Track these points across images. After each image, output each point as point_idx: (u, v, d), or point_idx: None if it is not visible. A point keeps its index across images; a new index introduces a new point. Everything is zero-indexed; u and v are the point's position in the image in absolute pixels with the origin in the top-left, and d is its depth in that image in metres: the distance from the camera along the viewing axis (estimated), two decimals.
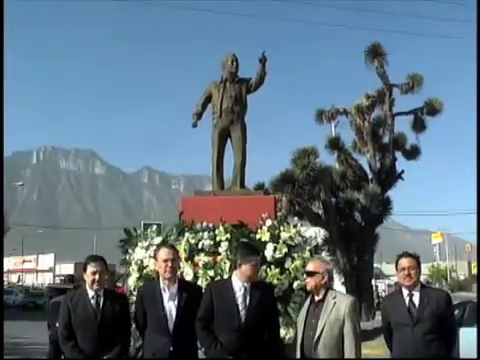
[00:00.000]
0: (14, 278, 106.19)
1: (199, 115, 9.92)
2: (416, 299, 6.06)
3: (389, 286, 66.40)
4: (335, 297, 6.07)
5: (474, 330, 11.60)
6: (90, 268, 6.29)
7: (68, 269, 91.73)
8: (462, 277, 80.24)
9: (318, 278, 6.11)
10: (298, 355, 5.99)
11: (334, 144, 29.22)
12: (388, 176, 28.75)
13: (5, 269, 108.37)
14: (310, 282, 6.12)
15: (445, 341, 5.97)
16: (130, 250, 8.55)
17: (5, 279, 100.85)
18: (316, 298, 6.13)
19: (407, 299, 6.10)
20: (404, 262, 6.16)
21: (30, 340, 22.31)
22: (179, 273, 6.94)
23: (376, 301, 30.73)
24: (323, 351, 5.82)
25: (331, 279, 6.22)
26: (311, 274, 6.13)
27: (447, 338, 6.01)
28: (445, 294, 6.24)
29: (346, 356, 5.83)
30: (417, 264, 6.18)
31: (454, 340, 6.19)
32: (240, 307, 6.01)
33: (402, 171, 29.05)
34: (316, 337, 5.87)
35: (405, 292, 6.15)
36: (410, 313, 6.01)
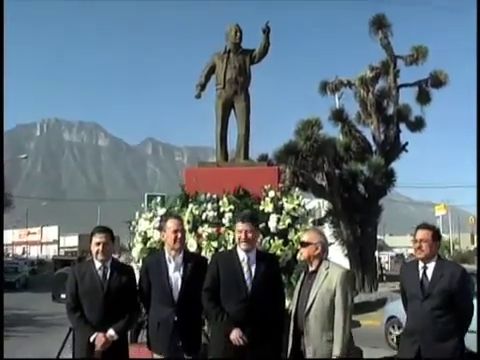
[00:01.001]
0: (19, 250, 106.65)
1: (203, 86, 9.87)
2: (429, 273, 5.99)
3: (392, 258, 66.67)
4: (328, 268, 6.05)
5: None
6: (95, 239, 6.31)
7: (72, 241, 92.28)
8: (465, 249, 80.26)
9: (311, 249, 6.10)
10: (291, 326, 6.02)
11: (338, 116, 29.14)
12: (392, 148, 28.71)
13: (10, 241, 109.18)
14: (304, 252, 6.15)
15: (456, 317, 5.89)
16: (134, 222, 8.56)
17: (10, 251, 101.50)
18: (310, 269, 6.15)
19: (421, 272, 6.04)
20: (418, 234, 6.08)
21: (35, 312, 22.52)
22: None
23: (379, 273, 30.83)
24: (314, 321, 5.85)
25: (325, 251, 6.18)
26: (305, 244, 6.14)
27: (459, 314, 5.93)
28: (461, 270, 6.08)
29: (335, 326, 5.83)
30: (432, 237, 6.05)
31: (468, 316, 6.07)
32: (246, 276, 6.03)
33: (406, 143, 29.01)
34: (307, 307, 5.90)
35: (420, 264, 6.09)
36: (422, 286, 5.97)
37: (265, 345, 5.92)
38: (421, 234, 6.07)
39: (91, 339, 6.07)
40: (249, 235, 6.11)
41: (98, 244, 6.27)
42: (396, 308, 6.60)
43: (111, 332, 6.10)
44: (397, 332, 10.41)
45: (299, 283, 6.19)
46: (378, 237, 32.52)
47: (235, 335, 5.83)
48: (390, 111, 29.18)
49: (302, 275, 6.24)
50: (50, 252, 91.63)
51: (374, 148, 29.03)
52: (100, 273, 6.27)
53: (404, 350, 6.08)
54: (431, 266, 6.01)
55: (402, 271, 6.70)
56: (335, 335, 5.84)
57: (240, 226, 6.17)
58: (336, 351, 5.80)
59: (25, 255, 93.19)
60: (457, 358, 5.85)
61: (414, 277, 6.08)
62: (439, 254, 6.18)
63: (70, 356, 9.90)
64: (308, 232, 6.45)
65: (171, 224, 6.43)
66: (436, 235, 6.12)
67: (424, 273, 6.02)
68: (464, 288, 6.01)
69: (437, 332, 5.81)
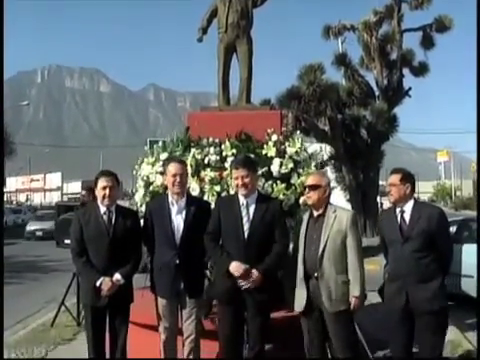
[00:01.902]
0: (22, 197, 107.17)
1: (204, 30, 9.75)
2: (407, 216, 6.01)
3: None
4: (335, 211, 6.10)
5: (473, 246, 11.69)
6: (101, 183, 6.31)
7: (76, 187, 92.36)
8: (467, 196, 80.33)
9: (321, 192, 6.11)
10: (301, 270, 6.03)
11: (341, 60, 28.94)
12: (395, 93, 28.56)
13: (13, 188, 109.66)
14: (313, 196, 6.09)
15: (437, 259, 5.91)
16: (136, 166, 8.56)
17: (13, 199, 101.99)
18: (315, 213, 6.15)
19: (398, 215, 6.06)
20: (388, 180, 6.16)
21: (40, 258, 22.75)
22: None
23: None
24: (328, 263, 5.88)
25: (330, 194, 6.22)
26: (314, 188, 6.10)
27: (440, 255, 5.95)
28: (438, 211, 6.11)
29: (350, 268, 5.92)
30: (400, 180, 6.08)
31: (448, 258, 6.10)
32: (244, 220, 6.06)
33: (409, 88, 28.85)
34: (320, 250, 5.91)
35: (397, 209, 6.11)
36: (401, 230, 5.99)
37: (264, 288, 5.98)
38: (390, 179, 6.15)
39: (97, 284, 6.12)
40: (246, 180, 6.09)
41: (104, 188, 6.27)
42: None
43: (117, 276, 6.15)
44: None
45: (303, 228, 6.17)
46: (380, 182, 32.53)
47: (234, 266, 5.91)
48: (393, 56, 28.94)
49: (306, 219, 6.21)
50: (53, 199, 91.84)
51: (377, 93, 28.89)
52: (105, 218, 6.29)
53: (391, 299, 6.10)
54: (408, 209, 6.03)
55: (380, 218, 6.81)
56: (352, 276, 5.94)
57: (236, 172, 6.15)
58: (355, 292, 5.92)
59: (28, 202, 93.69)
60: (440, 299, 5.88)
61: (392, 222, 6.10)
62: (415, 197, 6.20)
63: (74, 301, 10.08)
64: (314, 175, 6.40)
65: (171, 168, 6.44)
66: (405, 178, 6.13)
67: (402, 217, 6.04)
68: (443, 229, 6.06)
69: (420, 274, 5.85)
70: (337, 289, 5.91)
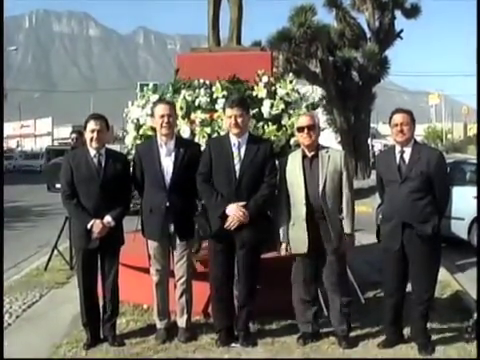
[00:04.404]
0: (13, 143, 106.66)
1: None
2: (407, 156, 6.00)
3: (385, 146, 66.93)
4: (328, 151, 6.19)
5: (463, 188, 11.76)
6: (90, 126, 6.27)
7: (66, 132, 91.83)
8: (458, 139, 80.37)
9: (316, 132, 6.19)
10: (303, 210, 6.04)
11: (332, 1, 28.59)
12: (387, 35, 28.38)
13: (4, 135, 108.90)
14: (310, 136, 6.12)
15: (433, 201, 5.92)
16: (126, 109, 8.48)
17: (4, 145, 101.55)
18: (310, 154, 6.18)
19: (398, 156, 6.04)
20: (397, 118, 6.03)
21: (30, 203, 22.77)
22: (176, 130, 6.92)
23: (372, 160, 31.02)
24: (329, 202, 6.01)
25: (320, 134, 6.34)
26: (311, 128, 6.14)
27: (437, 197, 5.95)
28: (437, 153, 6.14)
29: (345, 205, 6.08)
30: (411, 120, 6.04)
31: (445, 200, 6.12)
32: (235, 161, 6.09)
33: (401, 30, 28.63)
34: (321, 187, 6.00)
35: (397, 149, 6.08)
36: (399, 170, 5.98)
37: (254, 227, 6.04)
38: (401, 117, 6.03)
39: (88, 226, 6.14)
40: (239, 120, 6.10)
41: (93, 131, 6.24)
42: None
43: (108, 218, 6.18)
44: None
45: (298, 168, 6.16)
46: (371, 125, 32.54)
47: (231, 209, 5.98)
48: None
49: (299, 160, 6.19)
50: (44, 144, 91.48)
51: (368, 35, 28.69)
52: (95, 160, 6.27)
53: (386, 239, 6.14)
54: (408, 150, 6.02)
55: (379, 158, 6.86)
56: (346, 213, 6.08)
57: (229, 111, 6.15)
58: (348, 229, 6.08)
59: (19, 148, 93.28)
60: (434, 241, 5.94)
61: (391, 162, 6.09)
62: (415, 138, 6.17)
63: (67, 245, 10.12)
64: (310, 116, 6.39)
65: (158, 109, 6.41)
66: (413, 118, 6.11)
67: (401, 157, 6.03)
68: (441, 171, 6.06)
69: (415, 215, 5.87)
70: (336, 227, 6.03)
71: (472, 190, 11.22)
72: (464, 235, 11.80)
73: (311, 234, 6.02)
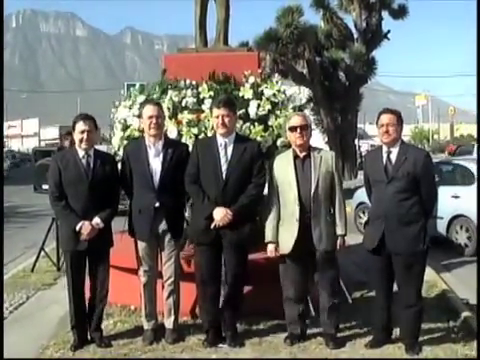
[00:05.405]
0: None
1: None
2: (393, 157, 6.01)
3: (372, 146, 67.06)
4: (319, 152, 6.23)
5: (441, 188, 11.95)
6: (79, 127, 6.25)
7: (53, 133, 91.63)
8: (444, 139, 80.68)
9: (308, 132, 6.22)
10: (297, 210, 6.05)
11: (319, 2, 28.55)
12: (374, 36, 28.38)
13: None
14: (302, 137, 6.14)
15: (420, 202, 5.94)
16: (113, 110, 8.47)
17: None
18: (301, 154, 6.19)
19: (385, 156, 6.05)
20: (384, 118, 6.04)
21: (17, 204, 22.64)
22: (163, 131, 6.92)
23: (359, 161, 31.10)
24: (321, 203, 6.04)
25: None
26: (304, 128, 6.16)
27: (424, 198, 5.97)
28: (424, 154, 6.15)
29: (337, 206, 6.15)
30: (398, 121, 6.05)
31: (432, 201, 6.15)
32: (222, 161, 6.11)
33: (388, 31, 28.64)
34: (313, 188, 6.02)
35: (384, 149, 6.09)
36: (386, 170, 6.00)
37: (240, 228, 6.07)
38: (387, 118, 6.04)
39: (77, 228, 6.13)
40: (226, 119, 6.12)
41: (82, 132, 6.22)
42: (365, 194, 6.79)
43: (97, 220, 6.17)
44: (365, 217, 10.70)
45: (290, 169, 6.17)
46: (358, 125, 32.55)
47: (219, 213, 5.99)
48: None
49: (290, 160, 6.20)
50: (31, 145, 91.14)
51: (356, 36, 28.66)
52: (84, 161, 6.25)
53: (372, 239, 6.11)
54: (395, 150, 6.03)
55: (366, 158, 6.90)
56: (338, 215, 6.14)
57: (217, 111, 6.16)
58: (341, 230, 6.14)
59: (6, 148, 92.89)
60: (420, 242, 5.94)
61: (378, 162, 6.11)
62: (402, 139, 6.20)
63: (54, 246, 10.08)
64: (302, 116, 6.39)
65: (147, 110, 6.41)
66: (400, 119, 6.12)
67: (388, 157, 6.04)
68: (428, 172, 6.07)
69: (401, 216, 5.89)
70: (327, 227, 6.06)
71: (449, 190, 12.20)
72: (444, 232, 12.23)
73: (302, 234, 6.03)
